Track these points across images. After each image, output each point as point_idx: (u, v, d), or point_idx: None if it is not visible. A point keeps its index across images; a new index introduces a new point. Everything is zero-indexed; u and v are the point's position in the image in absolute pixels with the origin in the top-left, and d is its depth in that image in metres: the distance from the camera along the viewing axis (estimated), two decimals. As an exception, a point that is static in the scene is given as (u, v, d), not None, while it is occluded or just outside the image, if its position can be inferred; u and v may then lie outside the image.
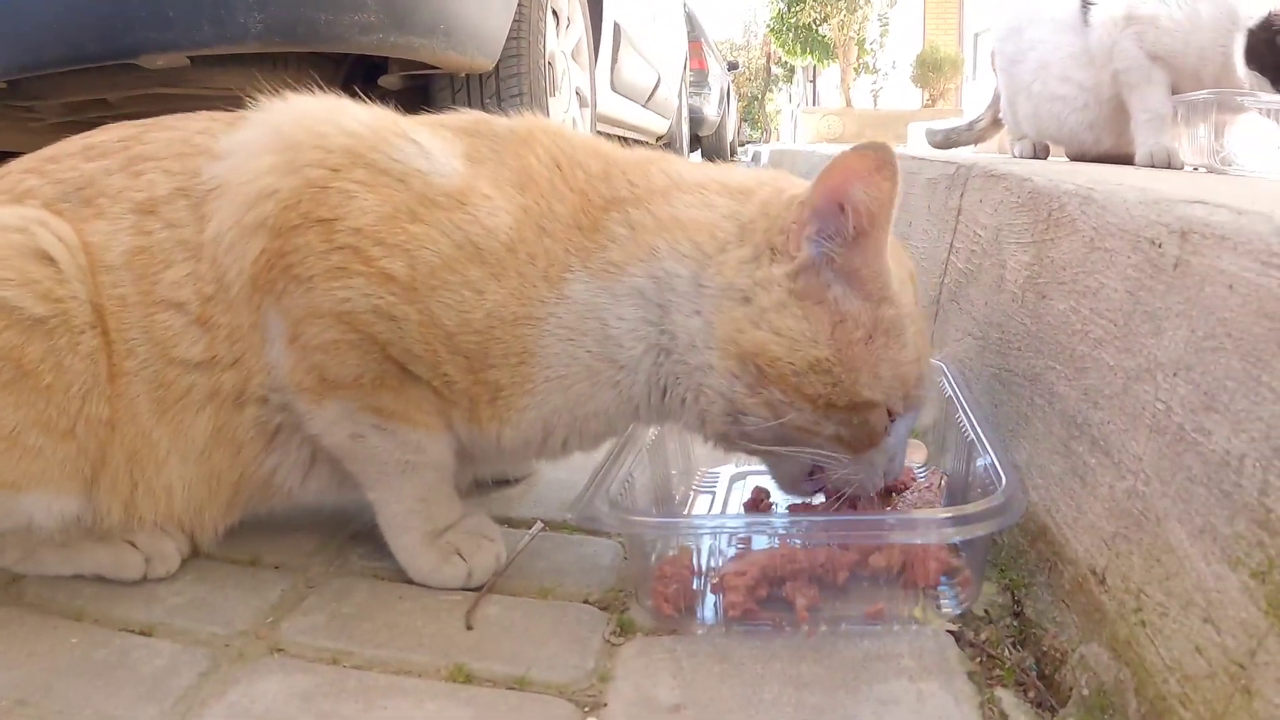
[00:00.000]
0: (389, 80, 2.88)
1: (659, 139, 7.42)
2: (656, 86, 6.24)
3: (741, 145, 31.22)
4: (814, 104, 27.38)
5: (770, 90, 42.18)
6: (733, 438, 1.15)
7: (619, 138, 6.92)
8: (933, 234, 1.95)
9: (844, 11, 13.92)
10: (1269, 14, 2.22)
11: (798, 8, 14.19)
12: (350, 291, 1.06)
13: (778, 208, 1.11)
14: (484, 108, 3.00)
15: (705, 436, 1.19)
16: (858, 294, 1.07)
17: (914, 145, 7.64)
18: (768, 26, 15.50)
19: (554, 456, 1.26)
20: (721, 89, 13.01)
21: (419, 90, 3.07)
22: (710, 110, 11.75)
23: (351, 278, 1.06)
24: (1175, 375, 0.93)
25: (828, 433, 1.08)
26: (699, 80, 11.36)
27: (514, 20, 2.98)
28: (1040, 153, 3.17)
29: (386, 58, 2.63)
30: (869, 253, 1.05)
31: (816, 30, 14.35)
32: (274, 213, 1.07)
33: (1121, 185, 1.21)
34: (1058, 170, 1.53)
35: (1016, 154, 3.22)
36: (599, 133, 5.69)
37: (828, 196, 1.03)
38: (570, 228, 1.11)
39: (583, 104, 3.96)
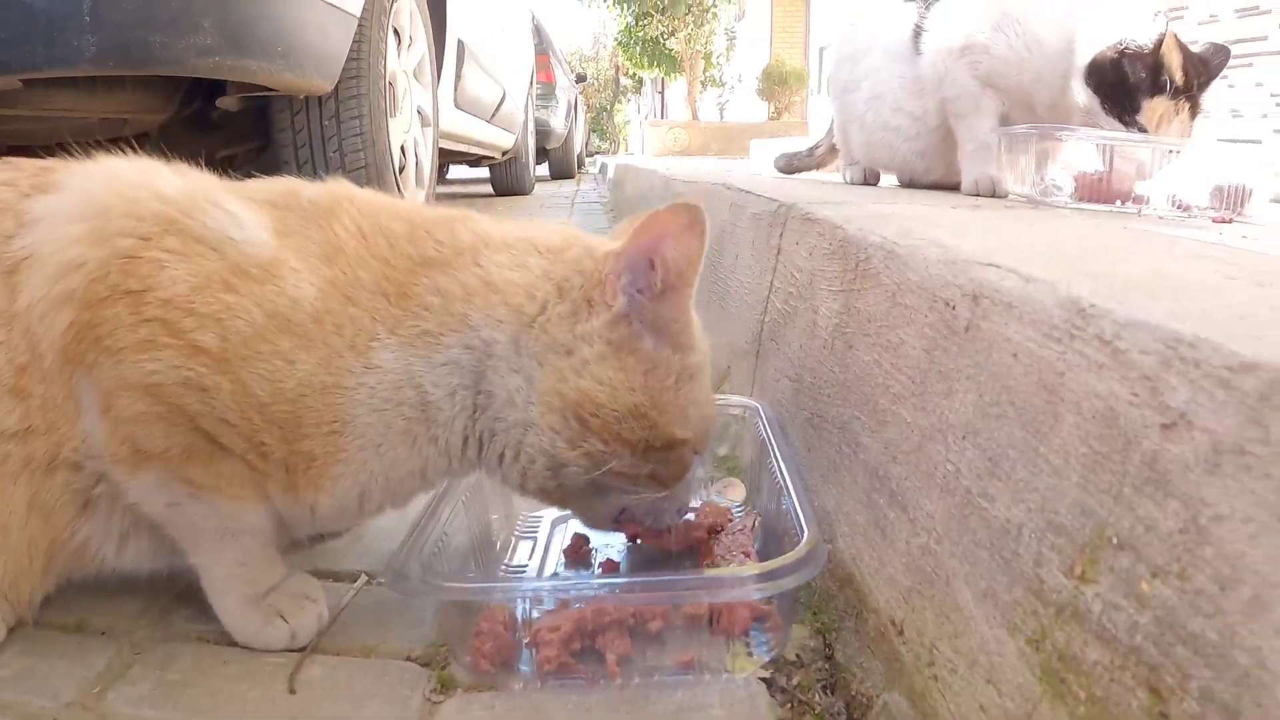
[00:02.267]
0: (226, 101, 2.82)
1: (505, 153, 7.41)
2: (501, 102, 6.22)
3: (590, 156, 31.45)
4: (662, 115, 27.66)
5: (619, 101, 42.58)
6: (550, 490, 1.17)
7: (461, 154, 6.87)
8: (755, 270, 1.95)
9: (691, 26, 14.07)
10: (1120, 39, 2.25)
11: (645, 22, 14.29)
12: (159, 364, 1.03)
13: (591, 263, 1.13)
14: (323, 128, 2.95)
15: (524, 491, 1.20)
16: (667, 343, 1.11)
17: (755, 160, 7.74)
18: (615, 40, 15.56)
19: (371, 518, 1.25)
20: (569, 101, 13.03)
21: (258, 110, 3.02)
22: (557, 123, 11.76)
23: (161, 350, 1.03)
24: (964, 438, 0.95)
25: (645, 473, 1.13)
26: (546, 93, 11.36)
27: (354, 41, 2.94)
28: (871, 179, 3.17)
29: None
30: (678, 305, 1.10)
31: (664, 44, 14.48)
32: (82, 285, 1.04)
33: (924, 242, 1.22)
34: (868, 217, 1.53)
35: (848, 179, 3.22)
36: (443, 150, 5.65)
37: (641, 252, 1.07)
38: (376, 295, 1.09)
39: (425, 123, 3.92)
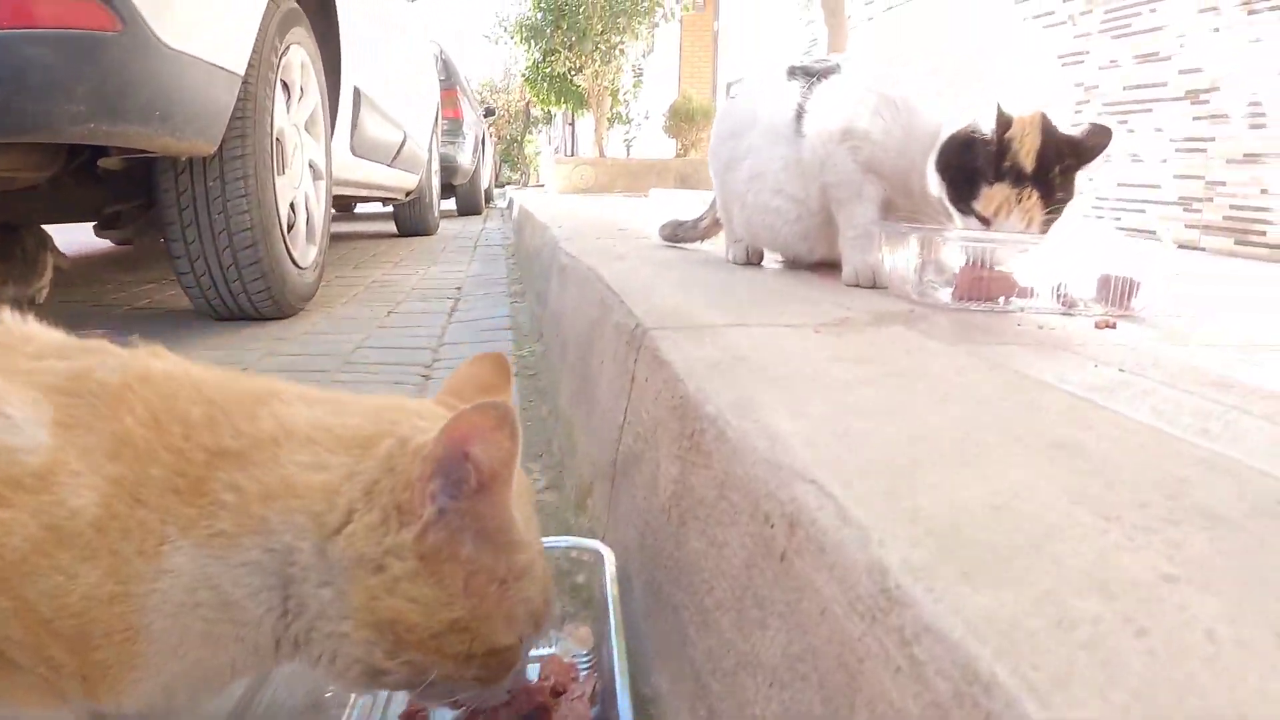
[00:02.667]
0: (109, 162, 2.79)
1: (408, 194, 7.38)
2: (402, 145, 6.19)
3: (501, 186, 31.37)
4: (573, 149, 27.68)
5: (530, 133, 42.59)
6: (374, 689, 1.12)
7: (361, 199, 6.81)
8: (614, 390, 1.80)
9: (598, 62, 14.11)
10: (971, 123, 2.20)
11: (552, 58, 14.33)
12: None
13: (403, 463, 1.03)
14: (207, 189, 2.91)
15: (347, 690, 1.15)
16: (487, 545, 1.03)
17: (655, 207, 7.77)
18: (522, 75, 15.57)
19: (190, 708, 1.18)
20: (477, 136, 13.00)
21: (143, 168, 2.99)
22: (465, 159, 11.72)
23: None
24: (771, 686, 0.86)
25: (470, 675, 1.05)
26: (453, 129, 11.32)
27: (239, 99, 2.92)
28: (754, 259, 3.08)
29: (102, 144, 2.54)
30: (495, 505, 1.02)
31: (570, 80, 14.52)
32: None
33: (755, 427, 1.11)
34: (713, 367, 1.41)
35: (731, 258, 3.11)
36: (341, 196, 5.59)
37: (450, 453, 0.98)
38: (168, 493, 0.98)
39: (317, 176, 3.88)
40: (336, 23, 4.10)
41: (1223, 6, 5.46)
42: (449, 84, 11.57)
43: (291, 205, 3.50)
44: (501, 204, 14.22)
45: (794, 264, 2.95)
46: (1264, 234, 5.19)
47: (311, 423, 1.06)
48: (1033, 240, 2.16)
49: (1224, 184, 5.48)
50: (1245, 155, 5.32)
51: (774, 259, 3.09)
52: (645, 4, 14.38)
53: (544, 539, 1.13)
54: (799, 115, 2.68)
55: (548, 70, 14.55)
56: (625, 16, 14.13)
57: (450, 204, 12.35)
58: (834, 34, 7.79)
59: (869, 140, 2.45)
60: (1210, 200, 5.59)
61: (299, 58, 3.58)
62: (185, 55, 2.52)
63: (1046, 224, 2.16)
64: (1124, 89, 6.31)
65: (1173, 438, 1.09)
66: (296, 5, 3.42)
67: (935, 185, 2.28)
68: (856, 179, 2.50)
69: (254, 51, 3.00)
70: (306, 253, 3.55)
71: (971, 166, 2.16)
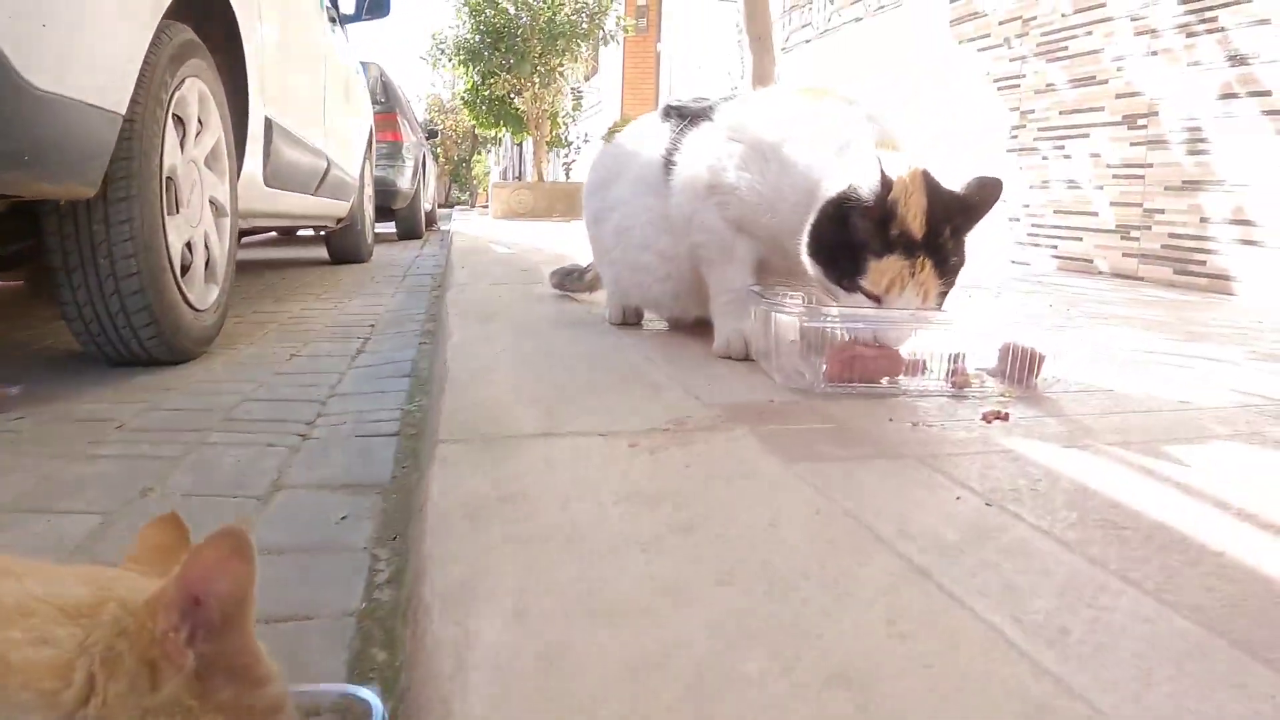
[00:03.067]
0: (-9, 204, 2.64)
1: (339, 221, 7.24)
2: (327, 172, 6.03)
3: (449, 207, 31.25)
4: (520, 168, 27.67)
5: (478, 153, 42.53)
6: None
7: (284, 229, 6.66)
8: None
9: (537, 85, 14.03)
10: (850, 186, 1.86)
11: (491, 80, 14.22)
12: None
13: (132, 621, 0.91)
14: (92, 233, 2.76)
15: None
16: (244, 683, 0.91)
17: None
18: (460, 98, 15.46)
19: None
20: (417, 159, 12.87)
21: (30, 209, 2.84)
22: (404, 182, 11.57)
23: None
24: None
25: None
26: (393, 152, 11.20)
27: (123, 139, 2.76)
28: (631, 317, 2.85)
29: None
30: (242, 638, 0.88)
31: (510, 103, 14.41)
32: None
33: (455, 632, 0.95)
34: (458, 525, 1.11)
35: (609, 318, 2.87)
36: (258, 229, 5.43)
37: (189, 596, 0.85)
38: None
39: (220, 213, 3.72)
40: (243, 52, 3.94)
41: (1161, 29, 5.42)
42: (388, 107, 11.47)
43: (189, 245, 3.33)
44: (446, 225, 14.12)
45: (676, 323, 2.73)
46: (1204, 264, 5.14)
47: (23, 596, 0.92)
48: (927, 317, 1.88)
49: (1163, 212, 5.43)
50: (1184, 182, 5.27)
51: (658, 317, 2.81)
52: (585, 26, 14.34)
53: (316, 685, 1.08)
54: (667, 164, 2.42)
55: (486, 93, 14.43)
56: (565, 39, 14.06)
57: (392, 227, 12.22)
58: (759, 60, 7.68)
59: (737, 196, 2.19)
60: (1148, 228, 5.54)
61: (196, 91, 3.42)
62: (57, 97, 2.36)
63: (941, 295, 1.88)
64: (1060, 113, 6.27)
65: (1007, 654, 0.84)
66: (194, 37, 3.26)
67: (809, 266, 1.97)
68: (726, 238, 2.25)
69: (139, 88, 2.84)
70: (206, 294, 3.39)
71: (853, 239, 1.86)
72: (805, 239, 1.94)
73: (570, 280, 3.47)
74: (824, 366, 1.90)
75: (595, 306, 3.17)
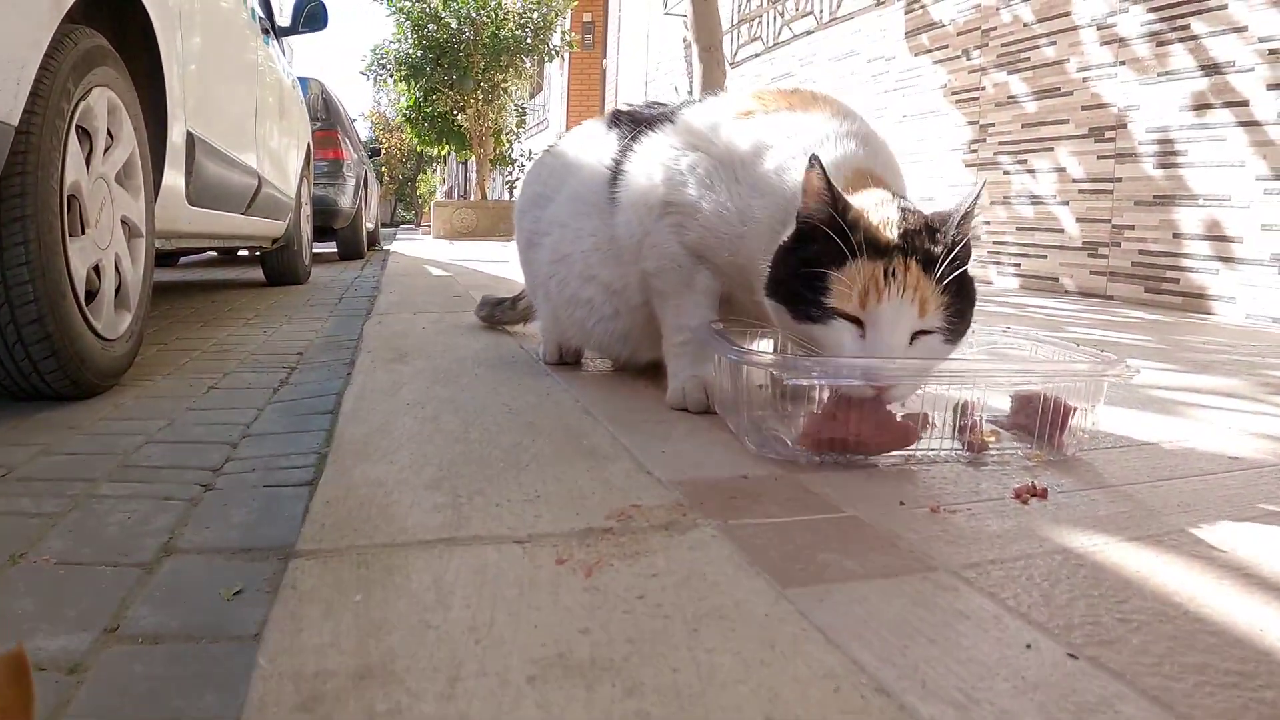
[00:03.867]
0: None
1: (275, 241, 6.92)
2: (258, 191, 5.72)
3: (396, 225, 31.00)
4: (465, 187, 27.43)
5: (424, 172, 42.18)
6: None
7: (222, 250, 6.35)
8: None
9: (480, 101, 13.75)
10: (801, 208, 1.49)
11: (434, 97, 13.93)
12: None
13: None
14: (-30, 259, 2.47)
15: None
16: None
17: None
18: (402, 115, 15.14)
19: None
20: (359, 178, 12.57)
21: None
22: (345, 201, 11.28)
23: None
24: None
25: None
26: (333, 170, 10.91)
27: (16, 153, 2.45)
28: (570, 357, 2.43)
29: None
30: None
31: (452, 120, 14.13)
32: None
33: None
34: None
35: (543, 356, 2.47)
36: (193, 249, 5.11)
37: None
38: None
39: (134, 234, 3.40)
40: (160, 61, 3.62)
41: (1130, 38, 5.21)
42: (329, 124, 11.16)
43: (97, 268, 3.01)
44: (388, 245, 13.84)
45: (625, 364, 2.31)
46: (1177, 281, 4.92)
47: None
48: (935, 366, 1.47)
49: (1132, 227, 5.22)
50: (1156, 197, 5.06)
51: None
52: (530, 42, 14.06)
53: None
54: (614, 177, 2.01)
55: (429, 110, 14.11)
56: (509, 54, 13.77)
57: (333, 247, 11.93)
58: (709, 72, 7.39)
59: (696, 217, 1.80)
60: (1118, 245, 5.33)
61: (104, 102, 3.09)
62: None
63: (947, 310, 1.44)
64: (1022, 126, 6.07)
65: None
66: (103, 43, 2.94)
67: (771, 310, 1.57)
68: (684, 266, 1.86)
69: (35, 97, 2.53)
70: (116, 322, 3.07)
71: (810, 261, 1.45)
72: (766, 282, 1.55)
73: (501, 310, 3.11)
74: (798, 432, 1.52)
75: (529, 340, 2.83)
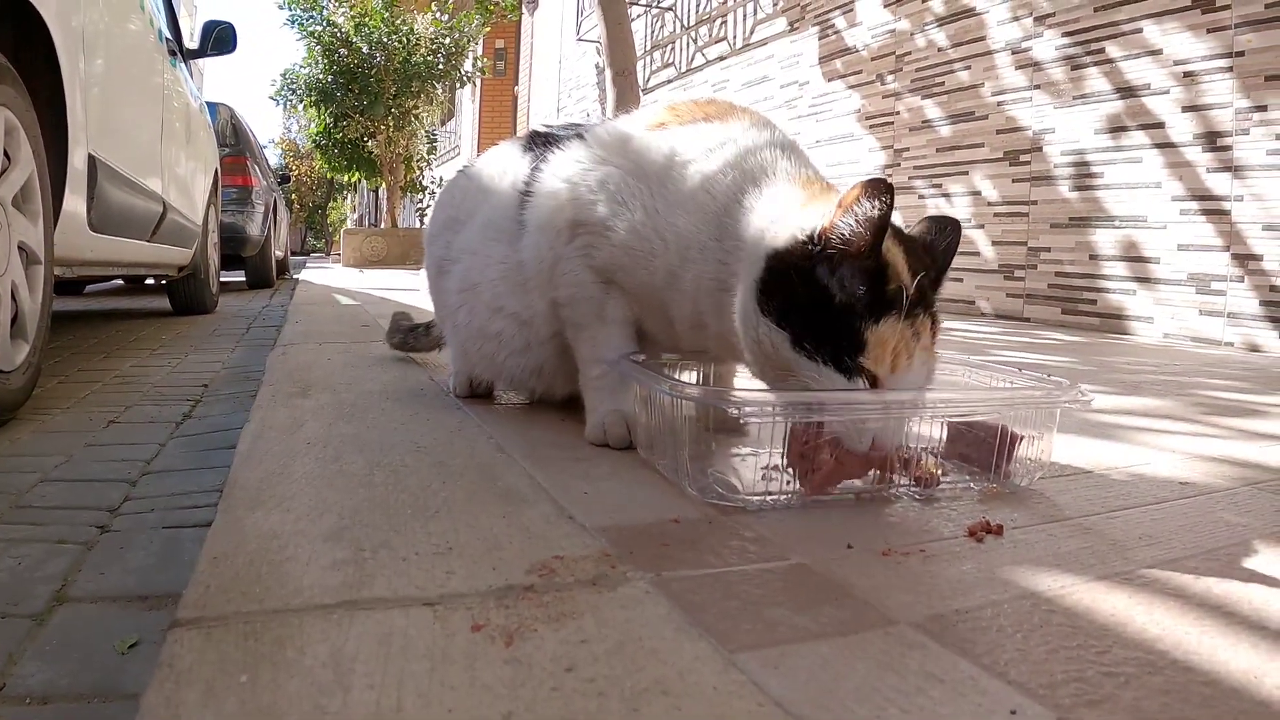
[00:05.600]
0: None
1: (181, 269, 6.73)
2: (164, 217, 5.56)
3: (306, 254, 30.64)
4: (376, 215, 27.22)
5: (335, 199, 41.79)
6: None
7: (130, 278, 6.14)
8: None
9: (391, 128, 13.59)
10: (816, 229, 1.32)
11: (344, 123, 13.75)
12: None
13: None
14: None
15: None
16: None
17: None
18: (311, 142, 14.94)
19: None
20: (268, 205, 12.38)
21: None
22: (254, 229, 11.10)
23: None
24: None
25: None
26: (242, 198, 10.74)
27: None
28: (481, 389, 2.27)
29: None
30: None
31: (363, 146, 13.95)
32: None
33: None
34: None
35: (453, 388, 2.32)
36: (97, 277, 4.92)
37: None
38: None
39: (32, 261, 3.25)
40: (63, 82, 3.47)
41: (1044, 62, 5.23)
42: (238, 150, 10.99)
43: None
44: (298, 274, 13.65)
45: (541, 398, 2.16)
46: (1094, 302, 4.93)
47: None
48: (910, 402, 1.35)
49: (1049, 250, 5.23)
50: (1071, 219, 5.07)
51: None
52: (442, 67, 13.94)
53: None
54: (523, 201, 1.87)
55: (339, 136, 13.93)
56: (420, 80, 13.64)
57: (242, 276, 11.73)
58: (623, 96, 7.31)
59: (608, 236, 1.66)
60: (1034, 267, 5.34)
61: (3, 122, 2.95)
62: None
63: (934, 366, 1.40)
64: (937, 150, 6.08)
65: None
66: (1, 60, 2.80)
67: (766, 333, 1.36)
68: (594, 293, 1.73)
69: (-74, 115, 2.39)
70: (12, 353, 2.92)
71: (833, 300, 1.31)
72: (755, 298, 1.38)
73: (414, 337, 2.96)
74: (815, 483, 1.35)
75: (439, 370, 2.70)
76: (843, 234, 1.29)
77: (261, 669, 0.82)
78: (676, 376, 1.67)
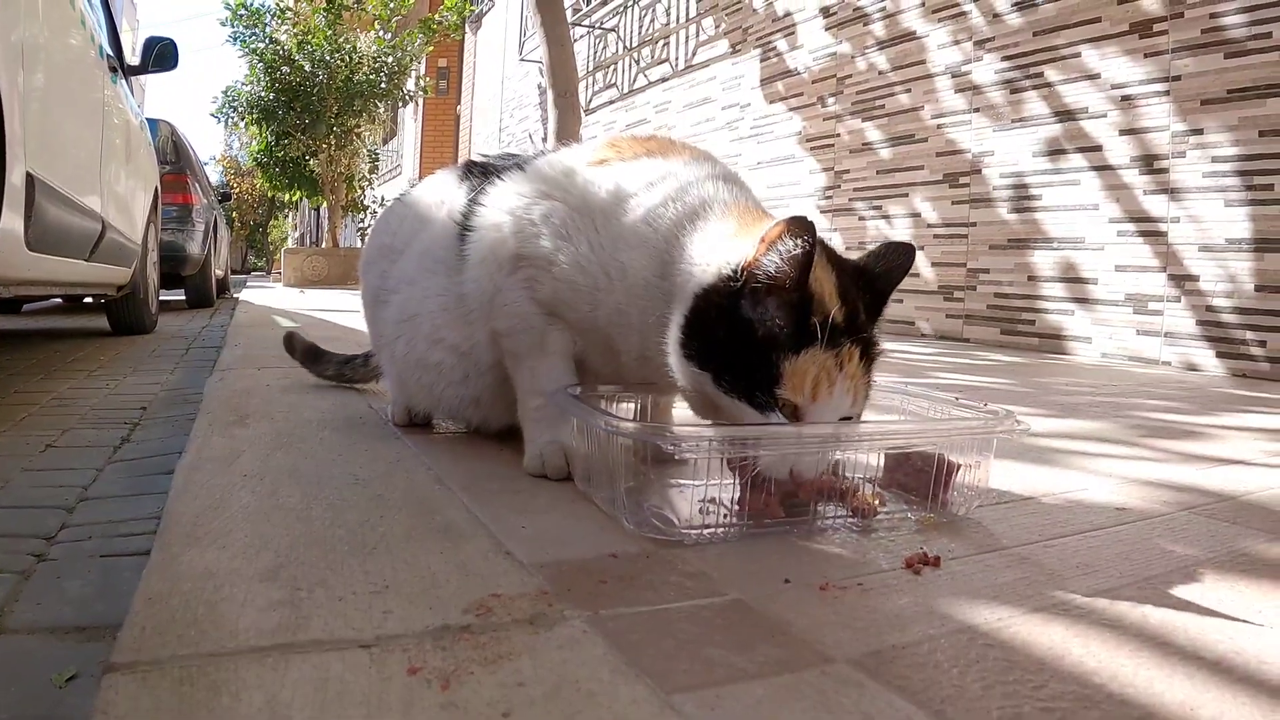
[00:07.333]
0: None
1: (120, 289, 6.64)
2: (103, 235, 5.48)
3: (247, 273, 30.35)
4: (318, 234, 27.01)
5: (276, 218, 41.48)
6: None
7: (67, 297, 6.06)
8: None
9: (333, 146, 13.50)
10: (739, 264, 1.34)
11: (286, 141, 13.64)
12: None
13: None
14: None
15: None
16: None
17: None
18: (252, 159, 14.81)
19: None
20: (208, 223, 12.27)
21: None
22: (194, 248, 10.97)
23: None
24: None
25: None
26: (182, 216, 10.60)
27: None
28: (419, 418, 2.25)
29: None
30: None
31: (305, 165, 13.85)
32: None
33: None
34: None
35: (392, 416, 2.31)
36: (31, 297, 4.83)
37: None
38: None
39: (-36, 281, 3.20)
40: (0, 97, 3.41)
41: (984, 85, 5.29)
42: (179, 168, 10.85)
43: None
44: (238, 294, 13.51)
45: (478, 431, 2.15)
46: (1033, 323, 4.98)
47: None
48: (843, 435, 1.37)
49: (988, 271, 5.28)
50: (1010, 240, 5.13)
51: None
52: (384, 86, 13.88)
53: None
54: (463, 233, 1.87)
55: (280, 154, 13.82)
56: (362, 99, 13.58)
57: (182, 295, 11.59)
58: (564, 118, 7.31)
59: (551, 270, 1.67)
60: (973, 288, 5.39)
61: (-58, 138, 2.89)
62: None
63: (867, 398, 1.41)
64: (877, 173, 6.13)
65: None
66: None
67: (683, 373, 1.42)
68: (535, 325, 1.73)
69: None
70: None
71: (754, 333, 1.33)
72: (678, 339, 1.41)
73: (350, 369, 2.93)
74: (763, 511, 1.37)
75: (378, 397, 2.67)
76: (767, 270, 1.31)
77: (196, 716, 0.80)
78: (614, 408, 1.66)
